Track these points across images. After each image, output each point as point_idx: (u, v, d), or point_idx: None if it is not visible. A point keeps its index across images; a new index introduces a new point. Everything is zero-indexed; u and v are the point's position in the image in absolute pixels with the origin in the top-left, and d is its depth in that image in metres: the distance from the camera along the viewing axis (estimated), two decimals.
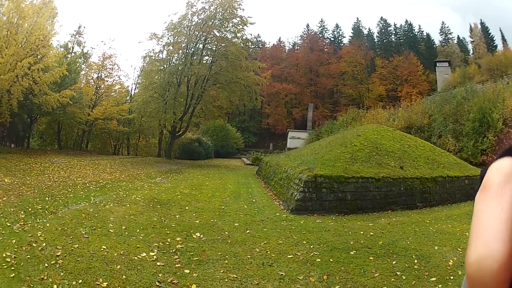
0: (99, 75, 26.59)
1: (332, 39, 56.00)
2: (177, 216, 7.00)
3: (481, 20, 48.40)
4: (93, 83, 26.15)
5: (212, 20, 23.36)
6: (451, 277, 4.12)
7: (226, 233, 5.94)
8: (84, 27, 27.76)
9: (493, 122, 15.85)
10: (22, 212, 6.25)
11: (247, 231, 6.13)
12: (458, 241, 5.66)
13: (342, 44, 53.87)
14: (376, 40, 53.73)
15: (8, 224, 5.44)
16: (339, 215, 7.88)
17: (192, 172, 17.00)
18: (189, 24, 23.63)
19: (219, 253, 4.83)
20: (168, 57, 23.98)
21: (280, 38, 57.98)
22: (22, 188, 8.67)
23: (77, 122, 23.59)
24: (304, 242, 5.58)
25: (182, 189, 10.72)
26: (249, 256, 4.77)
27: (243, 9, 23.91)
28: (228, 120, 37.50)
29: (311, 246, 5.34)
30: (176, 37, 23.53)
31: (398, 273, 4.27)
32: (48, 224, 5.63)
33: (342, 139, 12.49)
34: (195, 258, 4.57)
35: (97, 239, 5.08)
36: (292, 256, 4.86)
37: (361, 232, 6.28)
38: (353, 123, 27.97)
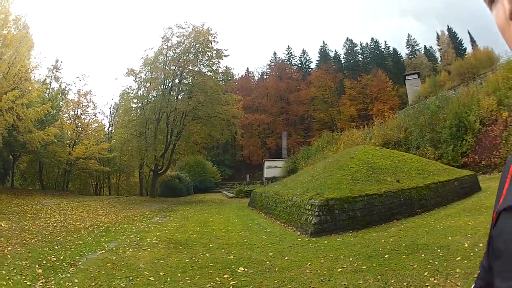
0: (76, 112, 25.88)
1: (299, 65, 57.63)
2: (207, 255, 7.04)
3: (448, 26, 50.70)
4: (71, 121, 25.46)
5: (187, 54, 23.74)
6: (471, 254, 5.02)
7: (268, 262, 6.17)
8: (61, 61, 26.65)
9: (470, 125, 16.77)
10: (37, 266, 5.50)
11: (286, 258, 6.40)
12: (465, 230, 6.50)
13: (310, 69, 55.22)
14: (343, 61, 55.25)
15: (28, 283, 4.70)
16: (353, 231, 8.43)
17: (185, 209, 16.92)
18: (165, 59, 23.89)
19: (275, 281, 5.07)
20: (146, 94, 23.98)
21: (248, 69, 58.83)
22: (23, 235, 7.81)
23: (58, 162, 22.69)
24: (342, 257, 6.03)
25: (190, 227, 10.72)
26: (305, 277, 5.08)
27: (217, 42, 24.45)
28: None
29: (350, 259, 5.82)
30: (153, 73, 23.68)
31: (430, 261, 5.09)
32: (75, 280, 5.03)
33: (337, 163, 13.12)
34: None
35: None
36: (340, 269, 5.31)
37: (382, 241, 6.87)
38: (328, 146, 28.83)
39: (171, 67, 23.74)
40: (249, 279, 5.29)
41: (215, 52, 24.22)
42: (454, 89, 27.79)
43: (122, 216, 13.08)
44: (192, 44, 23.89)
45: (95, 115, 27.18)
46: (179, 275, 5.61)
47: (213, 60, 24.50)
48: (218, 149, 45.15)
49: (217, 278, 5.38)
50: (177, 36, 23.98)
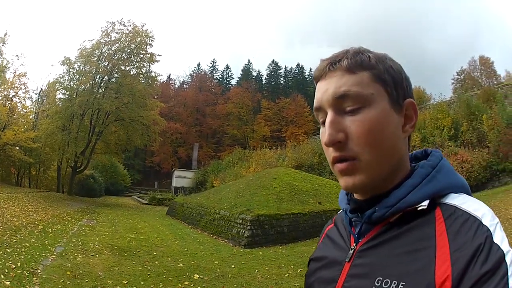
0: (7, 93, 23.16)
1: (221, 79, 58.95)
2: (156, 263, 7.47)
3: None
4: (2, 103, 22.71)
5: (122, 53, 23.20)
6: None
7: (218, 270, 7.03)
8: (9, 35, 23.01)
9: None
10: (2, 276, 5.19)
11: (232, 266, 7.36)
12: None
13: (230, 85, 56.82)
14: (264, 82, 57.87)
15: None
16: (281, 245, 9.85)
17: (107, 212, 16.71)
18: (100, 54, 23.01)
19: (234, 285, 5.98)
20: (76, 87, 22.64)
21: (170, 75, 57.92)
22: None
23: None
24: (283, 265, 7.26)
25: (124, 233, 10.82)
26: (260, 282, 6.13)
27: (152, 45, 24.38)
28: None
29: (292, 266, 7.07)
30: (87, 66, 22.61)
31: None
32: None
33: (259, 182, 14.54)
34: None
35: None
36: (287, 274, 6.51)
37: None
38: (240, 163, 29.93)
39: (104, 63, 22.92)
40: (209, 285, 6.04)
41: (148, 55, 24.12)
42: None
43: (51, 215, 12.54)
44: (128, 43, 23.44)
45: (24, 99, 24.72)
46: (142, 283, 5.85)
47: (144, 63, 24.30)
48: (130, 152, 43.31)
49: (179, 285, 5.91)
50: (116, 33, 23.34)
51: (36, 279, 5.46)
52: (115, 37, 23.33)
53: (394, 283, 0.59)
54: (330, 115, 0.66)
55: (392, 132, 0.67)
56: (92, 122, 22.49)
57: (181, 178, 37.61)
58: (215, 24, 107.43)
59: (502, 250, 0.55)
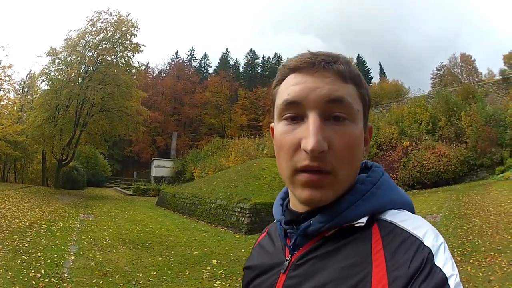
0: None
1: (198, 68, 58.44)
2: (172, 252, 8.09)
3: (358, 54, 55.44)
4: None
5: (107, 43, 22.90)
6: None
7: (231, 254, 7.93)
8: None
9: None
10: None
11: (242, 250, 8.29)
12: None
13: (208, 74, 56.36)
14: (241, 71, 57.73)
15: None
16: None
17: (99, 205, 16.75)
18: (86, 44, 22.72)
19: None
20: (62, 77, 22.18)
21: (148, 64, 55.84)
22: None
23: None
24: None
25: (128, 226, 11.25)
26: None
27: (136, 35, 24.17)
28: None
29: None
30: (73, 56, 22.24)
31: None
32: None
33: (249, 172, 15.49)
34: None
35: None
36: None
37: None
38: (219, 152, 30.59)
39: (89, 53, 22.65)
40: (229, 267, 6.86)
41: (133, 45, 23.90)
42: None
43: (48, 212, 12.62)
44: (113, 33, 23.15)
45: (9, 92, 24.21)
46: (169, 272, 6.37)
47: (128, 53, 24.11)
48: (109, 142, 42.82)
49: (203, 270, 6.59)
50: (102, 22, 22.90)
51: (67, 284, 5.42)
52: (101, 26, 23.00)
53: None
54: (315, 119, 0.62)
55: (361, 152, 0.67)
56: (77, 113, 22.35)
57: (160, 168, 37.90)
58: (194, 12, 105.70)
59: (444, 273, 0.53)
